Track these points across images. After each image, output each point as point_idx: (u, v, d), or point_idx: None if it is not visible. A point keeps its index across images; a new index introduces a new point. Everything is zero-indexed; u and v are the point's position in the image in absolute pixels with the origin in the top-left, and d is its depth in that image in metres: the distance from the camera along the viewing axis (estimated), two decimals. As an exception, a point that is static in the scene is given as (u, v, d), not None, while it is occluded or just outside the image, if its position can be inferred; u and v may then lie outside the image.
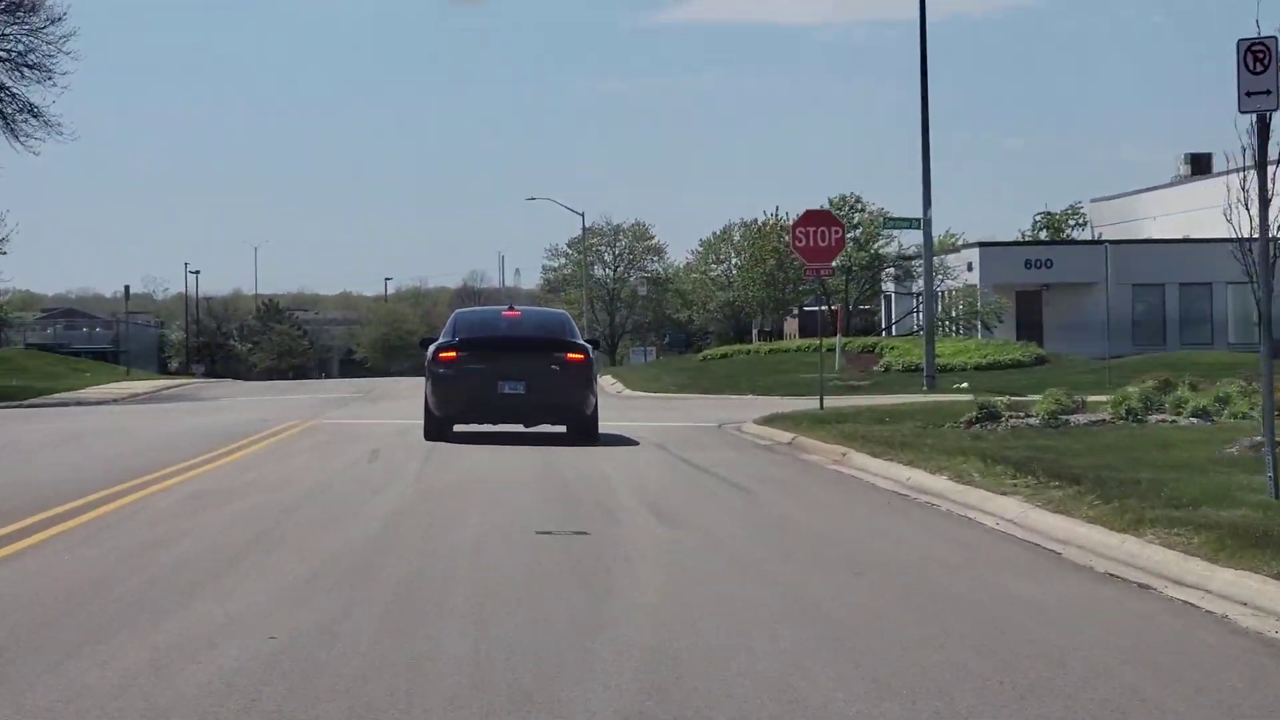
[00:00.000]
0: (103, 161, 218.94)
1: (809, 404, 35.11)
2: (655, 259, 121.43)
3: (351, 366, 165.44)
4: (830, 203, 66.73)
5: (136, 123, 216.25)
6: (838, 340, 49.68)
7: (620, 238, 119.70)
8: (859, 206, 67.27)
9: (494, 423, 25.14)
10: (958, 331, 63.95)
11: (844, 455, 21.50)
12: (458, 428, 25.21)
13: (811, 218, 31.76)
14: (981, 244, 68.96)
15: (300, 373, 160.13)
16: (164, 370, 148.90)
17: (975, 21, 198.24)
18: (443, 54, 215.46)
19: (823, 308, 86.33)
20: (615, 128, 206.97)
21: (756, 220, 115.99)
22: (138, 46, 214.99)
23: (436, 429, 24.77)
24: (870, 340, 54.64)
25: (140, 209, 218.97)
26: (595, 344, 27.19)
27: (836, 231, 31.29)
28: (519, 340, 25.07)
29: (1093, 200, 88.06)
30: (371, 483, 17.42)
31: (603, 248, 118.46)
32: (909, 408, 30.63)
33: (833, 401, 35.42)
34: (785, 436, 25.86)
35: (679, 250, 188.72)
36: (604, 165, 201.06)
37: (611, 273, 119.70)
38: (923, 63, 43.96)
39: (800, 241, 31.26)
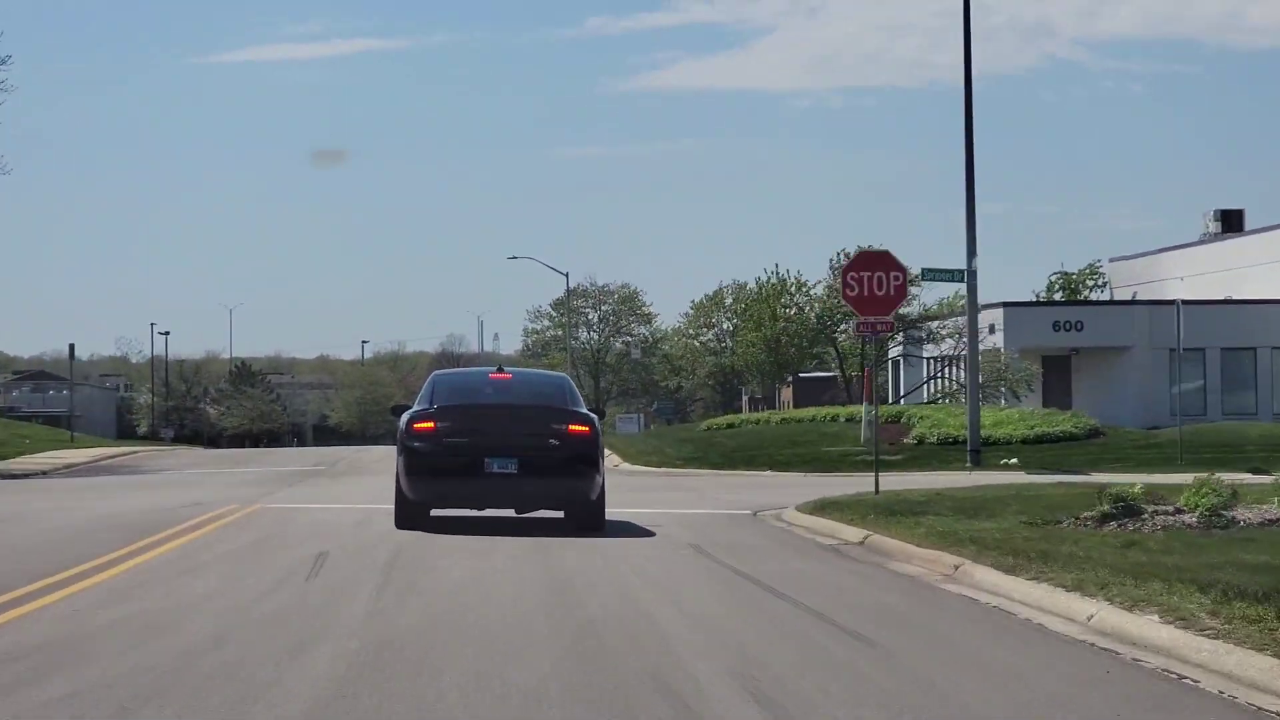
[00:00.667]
0: (75, 224, 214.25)
1: (844, 484, 29.67)
2: (643, 324, 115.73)
3: (326, 433, 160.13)
4: (841, 254, 60.97)
5: (117, 185, 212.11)
6: (865, 409, 43.94)
7: (605, 300, 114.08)
8: None
9: (479, 508, 21.38)
10: (982, 399, 58.21)
11: (957, 569, 15.73)
12: (435, 512, 21.23)
13: (866, 260, 26.04)
14: (1006, 304, 63.29)
15: (273, 438, 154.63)
16: (129, 435, 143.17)
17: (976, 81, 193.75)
18: (419, 119, 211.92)
19: (836, 372, 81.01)
20: (595, 192, 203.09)
21: (748, 283, 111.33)
22: (109, 106, 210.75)
23: (409, 515, 20.80)
24: (895, 409, 48.80)
25: (117, 271, 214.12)
26: (600, 413, 22.51)
27: (897, 278, 25.59)
28: (511, 409, 21.09)
29: (1111, 260, 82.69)
30: (298, 626, 11.45)
31: (588, 309, 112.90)
32: (981, 493, 24.94)
33: (863, 480, 29.91)
34: (853, 534, 20.10)
35: (667, 314, 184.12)
36: (586, 229, 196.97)
37: (596, 336, 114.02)
38: (967, 90, 38.64)
39: (852, 290, 25.52)
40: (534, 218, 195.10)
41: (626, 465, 42.52)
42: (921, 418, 45.62)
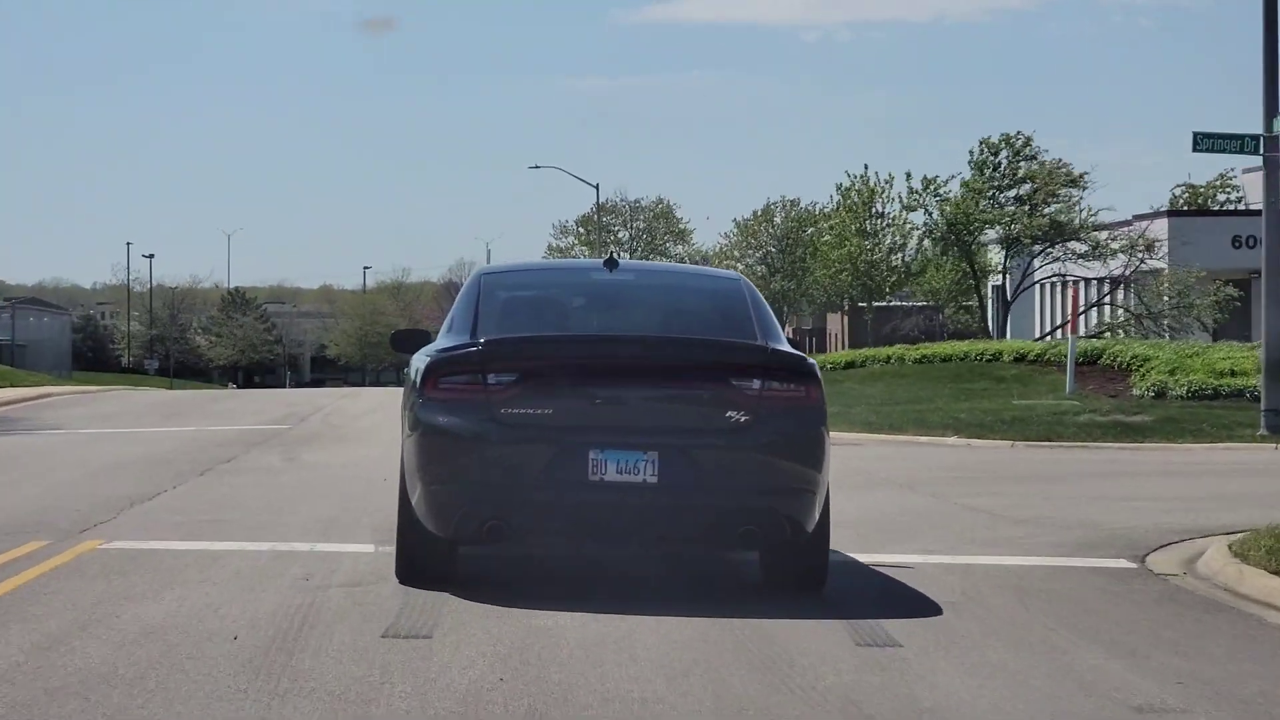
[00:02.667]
0: (77, 151, 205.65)
1: (1068, 454, 16.82)
2: (679, 243, 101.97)
3: (324, 364, 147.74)
4: (985, 146, 46.74)
5: (119, 114, 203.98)
6: (1070, 343, 30.35)
7: (638, 215, 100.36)
8: (1028, 152, 46.77)
9: (577, 542, 11.15)
10: (1157, 332, 44.54)
11: None
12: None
13: None
14: (1171, 212, 49.28)
15: (266, 371, 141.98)
16: (109, 368, 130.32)
17: None
18: (422, 45, 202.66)
19: (915, 301, 67.32)
20: (614, 119, 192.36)
21: (799, 200, 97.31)
22: (121, 34, 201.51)
23: (424, 559, 10.28)
24: (1091, 346, 34.52)
25: (117, 199, 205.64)
26: (799, 347, 11.31)
27: None
28: (643, 345, 10.33)
29: (1246, 170, 68.69)
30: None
31: (618, 227, 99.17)
32: None
33: (1100, 456, 17.68)
34: None
35: (703, 236, 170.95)
36: (605, 154, 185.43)
37: (629, 256, 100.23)
38: None
39: None
40: (542, 144, 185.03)
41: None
42: (1140, 359, 31.88)
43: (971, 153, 46.96)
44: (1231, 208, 59.37)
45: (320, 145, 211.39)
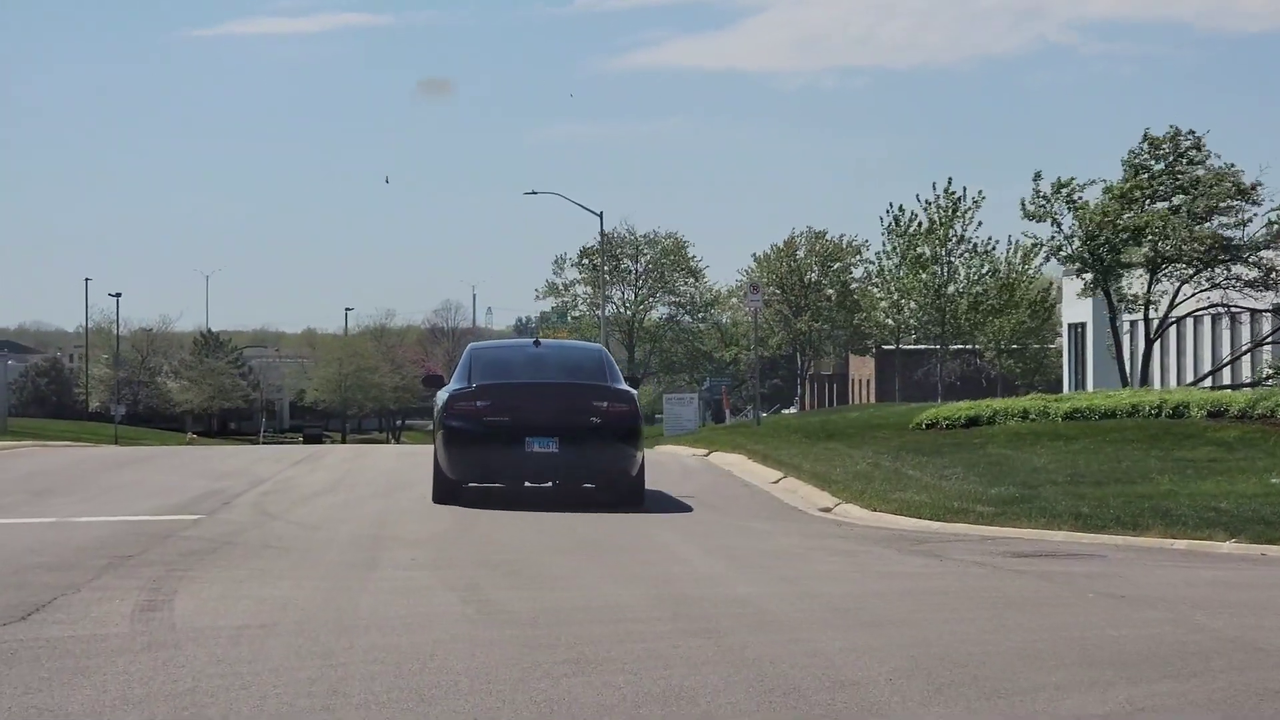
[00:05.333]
0: (57, 193, 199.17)
1: None
2: (689, 280, 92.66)
3: (302, 411, 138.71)
4: (1149, 143, 36.98)
5: (101, 155, 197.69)
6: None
7: (645, 250, 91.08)
8: (1193, 155, 36.75)
9: (519, 484, 21.26)
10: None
11: None
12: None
13: None
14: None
15: (243, 417, 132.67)
16: (71, 414, 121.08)
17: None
18: (400, 94, 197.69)
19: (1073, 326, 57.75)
20: (583, 170, 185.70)
21: (825, 232, 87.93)
22: (93, 77, 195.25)
23: (448, 491, 20.65)
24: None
25: (96, 241, 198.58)
26: (636, 383, 23.63)
27: None
28: (551, 388, 20.81)
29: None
30: None
31: (624, 259, 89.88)
32: None
33: None
34: None
35: (715, 275, 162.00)
36: (596, 196, 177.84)
37: (633, 295, 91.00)
38: None
39: None
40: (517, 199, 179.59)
41: (857, 511, 19.64)
42: None
43: (1132, 153, 37.37)
44: None
45: (302, 189, 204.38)
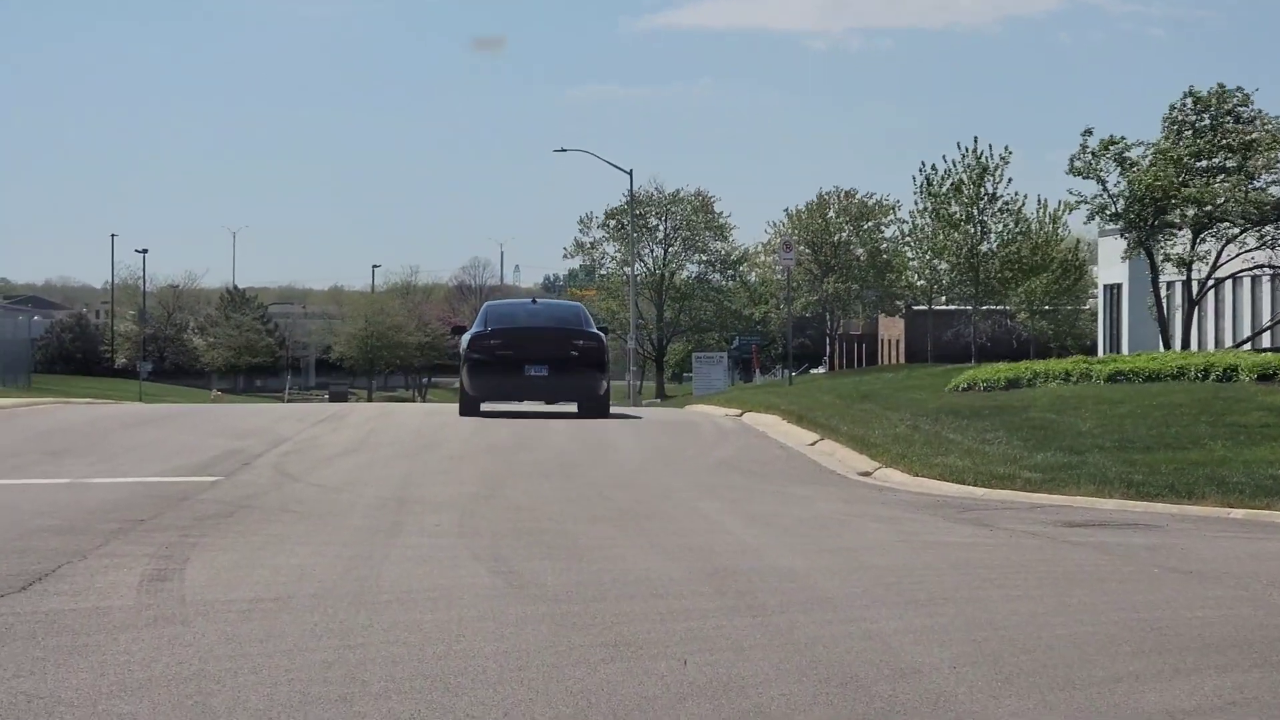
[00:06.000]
0: (85, 148, 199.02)
1: None
2: (718, 238, 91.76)
3: (328, 368, 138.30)
4: (1192, 99, 35.83)
5: (129, 111, 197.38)
6: None
7: (674, 209, 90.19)
8: (1242, 112, 35.44)
9: (520, 400, 29.51)
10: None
11: None
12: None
13: None
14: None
15: (270, 373, 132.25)
16: (99, 371, 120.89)
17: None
18: (433, 58, 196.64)
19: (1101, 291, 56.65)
20: (626, 126, 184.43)
21: (856, 193, 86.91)
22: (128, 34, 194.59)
23: (470, 406, 28.42)
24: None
25: (124, 196, 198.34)
26: (606, 331, 34.74)
27: None
28: (543, 330, 28.83)
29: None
30: None
31: (652, 218, 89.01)
32: None
33: None
34: None
35: (742, 235, 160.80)
36: (623, 156, 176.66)
37: (662, 253, 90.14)
38: None
39: None
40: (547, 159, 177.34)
41: (898, 476, 18.93)
42: None
43: (1173, 108, 36.25)
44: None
45: (332, 145, 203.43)
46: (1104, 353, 52.70)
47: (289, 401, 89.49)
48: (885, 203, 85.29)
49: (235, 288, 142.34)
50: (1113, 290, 54.65)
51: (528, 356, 28.00)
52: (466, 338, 28.75)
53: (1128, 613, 9.72)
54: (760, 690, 7.41)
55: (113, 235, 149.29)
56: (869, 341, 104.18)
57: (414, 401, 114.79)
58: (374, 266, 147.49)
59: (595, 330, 29.05)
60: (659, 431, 26.22)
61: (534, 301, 32.20)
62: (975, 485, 17.43)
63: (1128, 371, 26.83)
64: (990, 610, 9.65)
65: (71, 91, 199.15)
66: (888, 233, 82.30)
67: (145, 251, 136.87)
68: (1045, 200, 57.86)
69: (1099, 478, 17.22)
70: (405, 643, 8.33)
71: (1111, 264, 53.64)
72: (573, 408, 29.36)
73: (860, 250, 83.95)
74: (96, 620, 8.89)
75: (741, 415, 29.63)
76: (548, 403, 30.12)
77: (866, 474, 19.32)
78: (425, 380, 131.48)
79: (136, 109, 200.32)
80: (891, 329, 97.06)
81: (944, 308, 78.08)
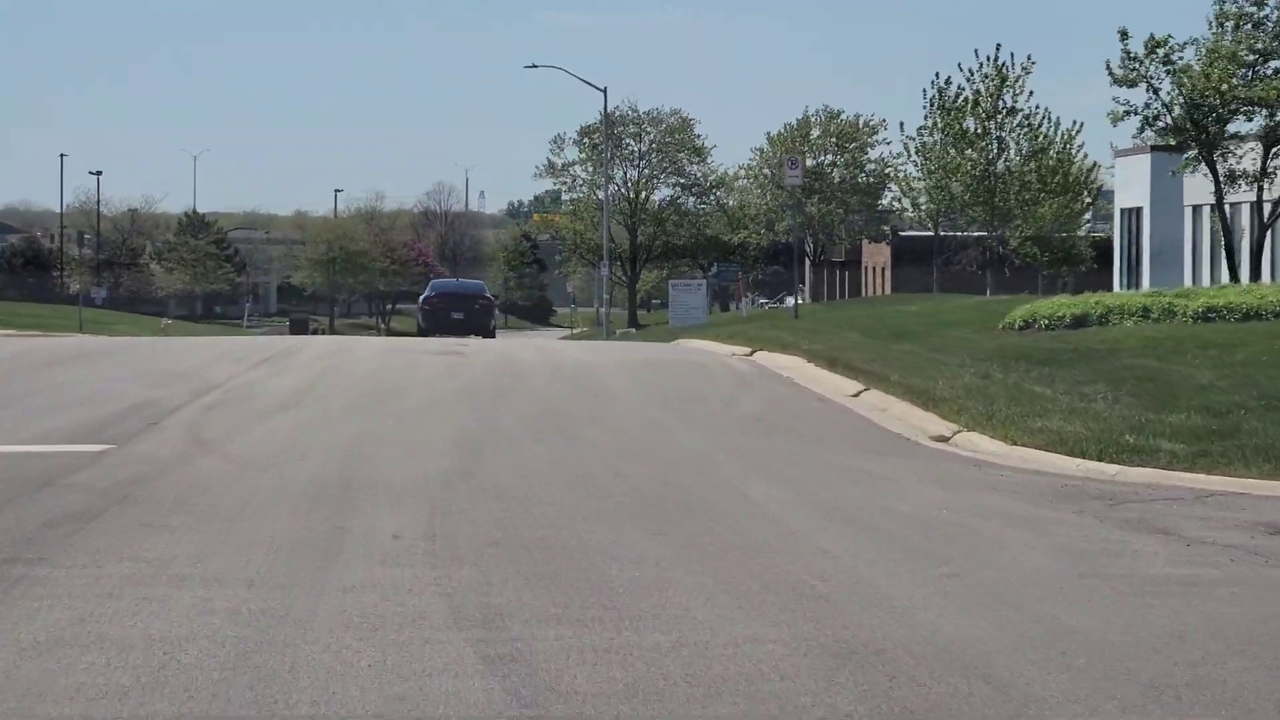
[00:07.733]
0: (48, 69, 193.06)
1: None
2: (696, 161, 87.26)
3: (290, 294, 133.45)
4: (1227, 10, 31.29)
5: (93, 32, 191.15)
6: None
7: (651, 129, 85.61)
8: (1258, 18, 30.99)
9: (449, 335, 43.33)
10: None
11: None
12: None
13: None
14: None
15: (228, 301, 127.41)
16: (51, 298, 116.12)
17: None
18: None
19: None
20: (599, 51, 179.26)
21: (842, 113, 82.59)
22: None
23: (424, 334, 46.05)
24: None
25: (86, 117, 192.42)
26: (497, 297, 64.44)
27: None
28: (462, 294, 51.79)
29: None
30: None
31: (628, 140, 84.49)
32: None
33: None
34: None
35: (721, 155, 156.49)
36: (579, 88, 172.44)
37: (636, 175, 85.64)
38: None
39: None
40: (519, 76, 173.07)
41: (986, 443, 14.78)
42: None
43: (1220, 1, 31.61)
44: None
45: (297, 66, 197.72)
46: (1120, 286, 48.59)
47: (247, 329, 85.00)
48: (871, 123, 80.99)
49: (195, 212, 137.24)
50: (1130, 215, 50.47)
51: (453, 307, 49.21)
52: (422, 298, 52.21)
53: None
54: None
55: (62, 155, 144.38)
56: (851, 269, 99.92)
57: (377, 330, 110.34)
58: (336, 191, 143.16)
59: (489, 296, 53.25)
60: (656, 373, 22.15)
61: (457, 281, 61.15)
62: (1100, 460, 13.32)
63: (1220, 307, 22.77)
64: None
65: (36, 9, 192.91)
66: (874, 154, 78.05)
67: (100, 174, 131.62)
68: (1058, 118, 53.87)
69: (1270, 451, 13.09)
70: None
71: (1128, 186, 49.51)
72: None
73: (842, 171, 79.74)
74: None
75: (752, 354, 25.51)
76: (461, 335, 43.23)
77: (943, 438, 15.23)
78: (389, 306, 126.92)
79: (97, 30, 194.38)
80: (877, 256, 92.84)
81: (942, 233, 73.76)
